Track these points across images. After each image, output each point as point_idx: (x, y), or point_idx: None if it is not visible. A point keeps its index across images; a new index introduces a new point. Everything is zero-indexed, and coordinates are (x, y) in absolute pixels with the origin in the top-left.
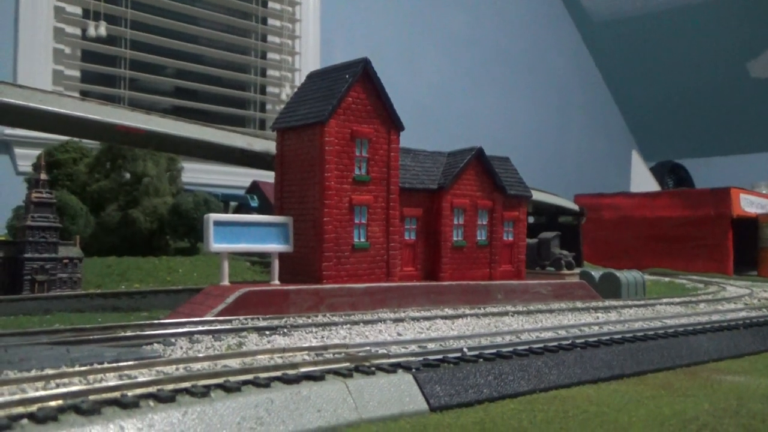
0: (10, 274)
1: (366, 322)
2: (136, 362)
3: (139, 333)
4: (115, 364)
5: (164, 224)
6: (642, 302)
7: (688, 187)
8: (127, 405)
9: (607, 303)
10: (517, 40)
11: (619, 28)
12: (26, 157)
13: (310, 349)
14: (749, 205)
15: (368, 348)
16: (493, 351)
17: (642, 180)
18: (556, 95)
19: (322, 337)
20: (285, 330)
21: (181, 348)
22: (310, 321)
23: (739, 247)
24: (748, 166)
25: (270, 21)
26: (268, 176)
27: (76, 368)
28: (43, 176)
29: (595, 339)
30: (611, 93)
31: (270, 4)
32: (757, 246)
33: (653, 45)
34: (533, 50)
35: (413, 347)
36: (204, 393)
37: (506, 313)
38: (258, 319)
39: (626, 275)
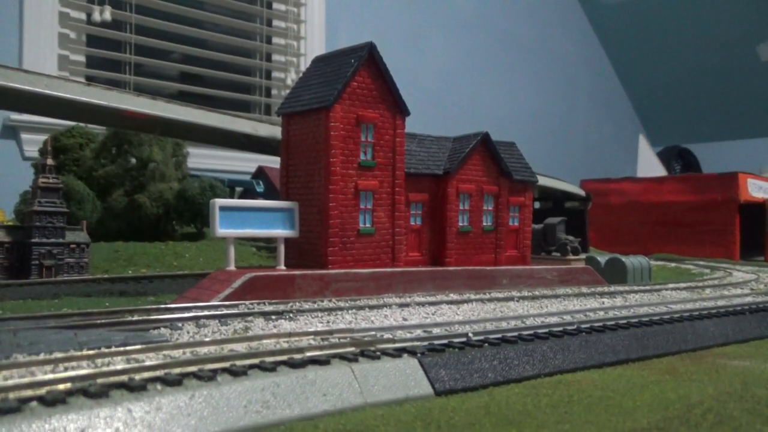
0: (18, 258)
1: (371, 307)
2: (144, 346)
3: (146, 317)
4: (122, 348)
5: (170, 209)
6: (648, 287)
7: (696, 172)
8: (135, 388)
9: (612, 288)
10: (524, 24)
11: (626, 11)
12: (33, 143)
13: (315, 333)
14: (757, 190)
15: (374, 333)
16: (498, 336)
17: (649, 165)
18: (563, 79)
19: (328, 322)
20: (291, 315)
21: (188, 332)
22: (315, 306)
23: (746, 232)
24: (756, 151)
25: (275, 5)
26: (273, 161)
27: (84, 352)
28: (50, 161)
29: (601, 324)
30: (618, 77)
31: None
32: (764, 231)
33: (661, 28)
34: (540, 34)
35: (418, 332)
36: (211, 377)
37: (511, 299)
38: (264, 303)
39: (632, 260)
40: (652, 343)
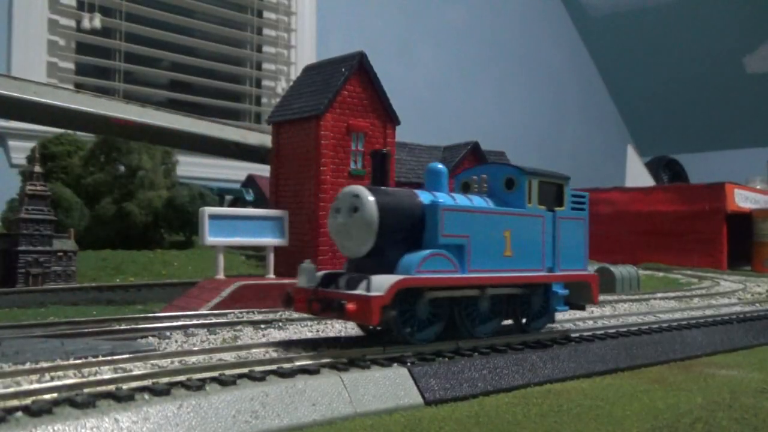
0: (5, 266)
1: None
2: (131, 355)
3: (134, 326)
4: (110, 357)
5: (159, 217)
6: (636, 297)
7: (683, 182)
8: (122, 398)
9: (601, 297)
10: (514, 34)
11: (615, 22)
12: (20, 150)
13: (305, 342)
14: (743, 200)
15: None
16: (488, 345)
17: (637, 175)
18: (552, 89)
19: (318, 331)
20: (280, 323)
21: (176, 341)
22: (305, 314)
23: (733, 242)
24: (743, 161)
25: (266, 14)
26: (263, 170)
27: (71, 361)
28: (38, 169)
29: (590, 333)
30: (607, 87)
31: None
32: (751, 241)
33: (649, 39)
34: (529, 44)
35: None
36: (199, 386)
37: None
38: (253, 312)
39: (621, 270)
40: (641, 353)
